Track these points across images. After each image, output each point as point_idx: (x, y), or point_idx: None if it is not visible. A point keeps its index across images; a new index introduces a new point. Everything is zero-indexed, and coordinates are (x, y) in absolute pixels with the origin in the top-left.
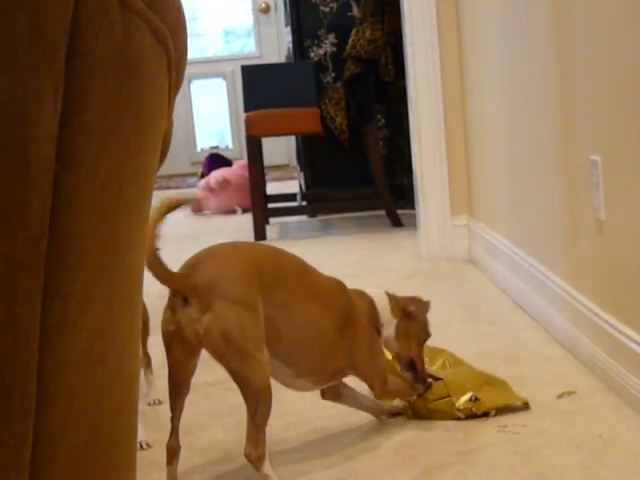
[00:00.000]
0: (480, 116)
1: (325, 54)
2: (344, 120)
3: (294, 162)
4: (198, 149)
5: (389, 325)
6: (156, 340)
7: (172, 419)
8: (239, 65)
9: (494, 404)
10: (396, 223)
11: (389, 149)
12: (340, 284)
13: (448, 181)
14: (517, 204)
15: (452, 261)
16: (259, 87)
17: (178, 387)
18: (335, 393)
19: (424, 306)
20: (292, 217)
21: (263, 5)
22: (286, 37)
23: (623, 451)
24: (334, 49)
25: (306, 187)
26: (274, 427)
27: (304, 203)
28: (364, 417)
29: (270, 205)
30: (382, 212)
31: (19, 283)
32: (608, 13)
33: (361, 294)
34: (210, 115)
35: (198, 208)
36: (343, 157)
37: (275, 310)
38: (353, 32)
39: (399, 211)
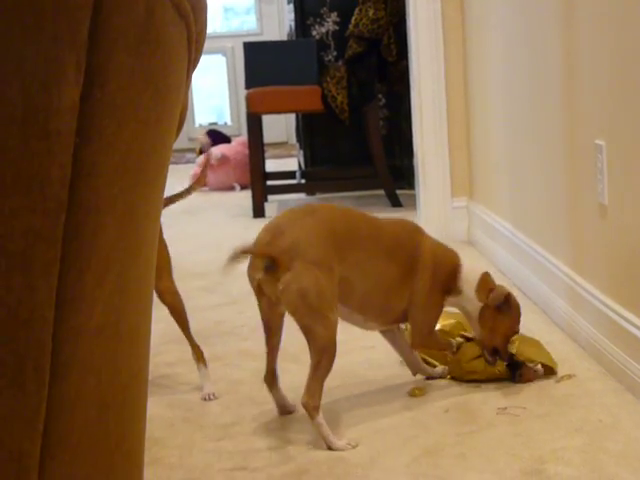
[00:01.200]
0: (482, 97)
1: (327, 32)
2: (345, 99)
3: (293, 140)
4: (197, 125)
5: (469, 301)
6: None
7: (267, 354)
8: (239, 42)
9: (530, 356)
10: (395, 203)
11: (389, 129)
12: (412, 232)
13: (449, 162)
14: (518, 187)
15: (451, 242)
16: (260, 64)
17: (269, 330)
18: (391, 337)
19: (514, 306)
20: (291, 195)
21: None
22: (288, 15)
23: (623, 436)
24: (336, 27)
25: (305, 165)
26: (270, 403)
27: (303, 181)
28: (365, 399)
29: (269, 182)
30: (381, 192)
31: (37, 255)
32: None
33: (447, 252)
34: (209, 91)
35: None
36: (343, 136)
37: (349, 270)
38: (356, 11)
39: (398, 191)
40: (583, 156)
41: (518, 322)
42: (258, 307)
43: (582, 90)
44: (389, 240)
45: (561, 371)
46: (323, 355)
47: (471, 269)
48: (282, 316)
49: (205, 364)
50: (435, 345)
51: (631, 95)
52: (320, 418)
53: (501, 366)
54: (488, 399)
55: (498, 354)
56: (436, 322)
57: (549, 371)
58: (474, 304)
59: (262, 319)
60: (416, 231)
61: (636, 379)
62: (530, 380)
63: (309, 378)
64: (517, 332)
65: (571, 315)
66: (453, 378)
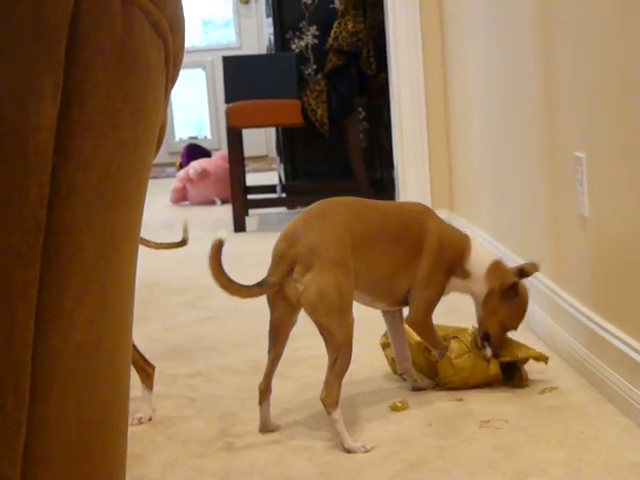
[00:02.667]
0: (462, 110)
1: (306, 46)
2: (325, 112)
3: (273, 153)
4: (176, 139)
5: (478, 284)
6: (144, 332)
7: (267, 364)
8: (219, 56)
9: (516, 356)
10: None
11: (369, 142)
12: (419, 214)
13: (429, 174)
14: (499, 199)
15: None
16: (240, 78)
17: (277, 337)
18: (391, 322)
19: (521, 299)
20: (271, 209)
21: None
22: (267, 28)
23: (605, 447)
24: (316, 41)
25: (286, 179)
26: (253, 419)
27: (284, 195)
28: (347, 413)
29: (249, 196)
30: None
31: (16, 275)
32: (594, 10)
33: (456, 232)
34: (189, 105)
35: (178, 198)
36: (323, 149)
37: (360, 261)
38: (335, 24)
39: None
40: (563, 168)
41: (520, 317)
42: (271, 315)
43: (562, 102)
44: (397, 224)
45: (543, 383)
46: (339, 353)
47: (483, 253)
48: (292, 325)
49: (150, 388)
50: (428, 331)
51: (611, 107)
52: (337, 414)
53: (493, 367)
54: (471, 412)
55: (488, 342)
56: (436, 301)
57: (542, 359)
58: (482, 287)
59: (272, 326)
60: (424, 213)
61: (617, 390)
62: (526, 384)
63: (327, 375)
64: (515, 327)
65: (552, 327)
66: (438, 386)
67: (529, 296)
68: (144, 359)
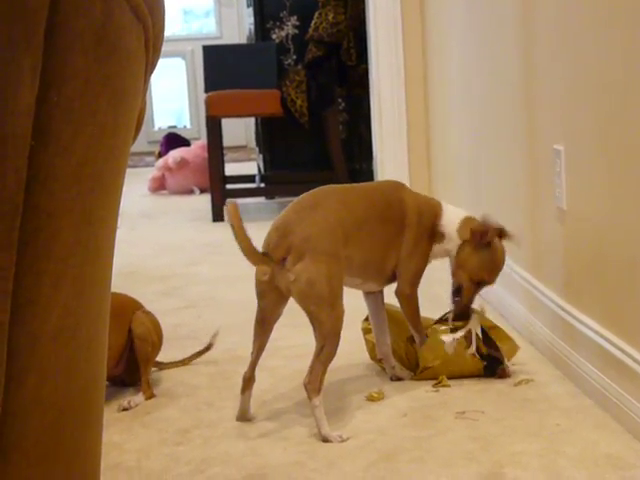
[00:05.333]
0: (442, 101)
1: (287, 36)
2: (304, 103)
3: (252, 143)
4: (156, 128)
5: (452, 241)
6: None
7: (252, 353)
8: (199, 45)
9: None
10: None
11: (348, 133)
12: (395, 190)
13: (408, 166)
14: (478, 191)
15: None
16: (220, 67)
17: (263, 327)
18: (373, 304)
19: (493, 249)
20: (250, 198)
21: None
22: (247, 18)
23: (580, 439)
24: (296, 31)
25: (265, 169)
26: (229, 408)
27: (262, 185)
28: (324, 401)
29: (228, 186)
30: None
31: None
32: (572, 5)
33: (428, 199)
34: (168, 95)
35: (156, 187)
36: (302, 140)
37: (351, 248)
38: (316, 15)
39: None
40: (542, 161)
41: (492, 270)
42: (258, 305)
43: (541, 95)
44: (381, 205)
45: (519, 375)
46: (326, 341)
47: (454, 212)
48: (279, 316)
49: (147, 397)
50: (414, 304)
51: (589, 100)
52: (317, 401)
53: (475, 364)
54: (446, 403)
55: (460, 295)
56: (422, 271)
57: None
58: (455, 243)
59: (259, 317)
60: (399, 188)
61: (593, 383)
62: (509, 376)
63: (312, 361)
64: (489, 281)
65: (529, 319)
66: (417, 377)
67: (504, 254)
68: None
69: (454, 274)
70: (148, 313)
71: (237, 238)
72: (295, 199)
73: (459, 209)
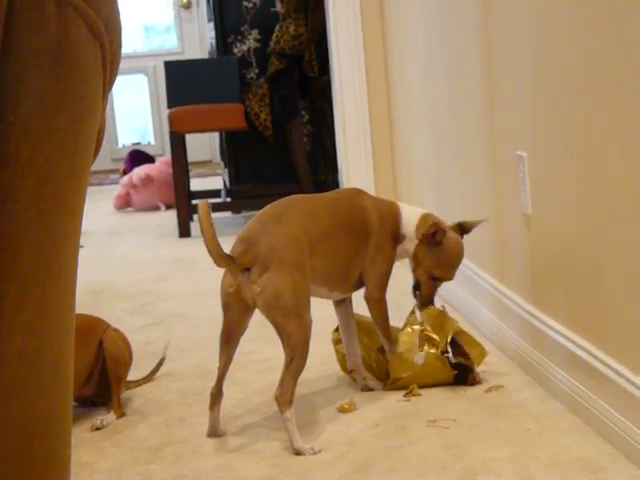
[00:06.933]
0: (405, 111)
1: (248, 50)
2: (268, 116)
3: (217, 158)
4: (120, 145)
5: (411, 241)
6: None
7: (218, 368)
8: (161, 61)
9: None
10: None
11: (313, 145)
12: (356, 198)
13: (373, 176)
14: (443, 199)
15: None
16: (182, 83)
17: (229, 341)
18: (344, 315)
19: (446, 239)
20: (216, 213)
21: (185, 0)
22: (209, 33)
23: (551, 444)
24: (257, 45)
25: (230, 183)
26: (200, 424)
27: (228, 199)
28: (295, 413)
29: (194, 201)
30: None
31: None
32: (534, 8)
33: (386, 202)
34: (131, 111)
35: (121, 204)
36: (267, 153)
37: (316, 258)
38: (277, 28)
39: None
40: (505, 167)
41: (448, 266)
42: (224, 318)
43: (503, 102)
44: (344, 214)
45: (489, 382)
46: (295, 353)
47: (411, 212)
48: (244, 329)
49: (119, 416)
50: (383, 309)
51: (551, 106)
52: (289, 413)
53: (445, 373)
54: (418, 412)
55: (419, 291)
56: (389, 274)
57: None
58: (414, 242)
59: (225, 330)
60: (359, 194)
61: (562, 387)
62: (479, 382)
63: (282, 374)
64: (446, 277)
65: (497, 326)
66: (387, 387)
67: (459, 249)
68: None
69: (414, 271)
70: (117, 330)
71: (205, 238)
72: (259, 211)
73: (415, 207)
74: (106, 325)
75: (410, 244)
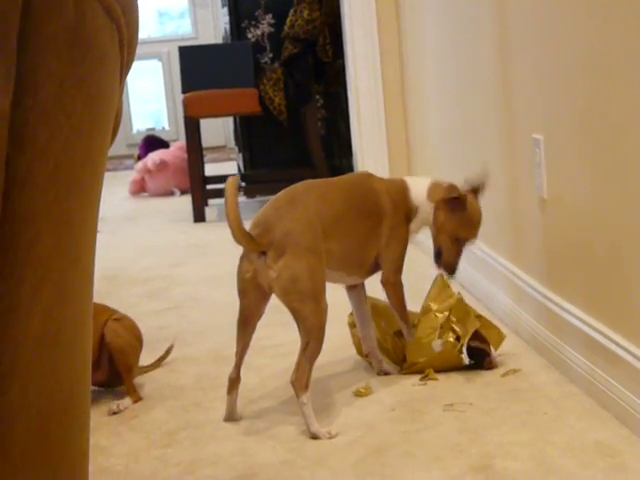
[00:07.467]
0: (420, 95)
1: (262, 35)
2: (282, 100)
3: (232, 143)
4: (134, 131)
5: (425, 210)
6: None
7: (236, 353)
8: (175, 46)
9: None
10: None
11: (327, 129)
12: (366, 180)
13: (388, 160)
14: (459, 182)
15: None
16: (197, 68)
17: (245, 327)
18: (357, 300)
19: (469, 202)
20: None
21: None
22: (223, 18)
23: (568, 428)
24: (272, 29)
25: (244, 168)
26: (216, 409)
27: (243, 184)
28: (311, 397)
29: (208, 187)
30: None
31: None
32: None
33: (394, 181)
34: (146, 97)
35: (136, 190)
36: (282, 138)
37: (332, 242)
38: (291, 12)
39: None
40: (521, 150)
41: (471, 228)
42: (241, 304)
43: (518, 85)
44: (357, 197)
45: (506, 365)
46: (311, 337)
47: (418, 183)
48: (261, 314)
49: (135, 400)
50: (400, 293)
51: (568, 89)
52: (305, 398)
53: (461, 361)
54: (434, 396)
55: (441, 258)
56: (404, 255)
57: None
58: (429, 210)
59: (242, 316)
60: (369, 178)
61: (579, 370)
62: (496, 367)
63: (298, 358)
64: (469, 239)
65: (513, 309)
66: (404, 371)
67: (480, 209)
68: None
69: (434, 239)
70: (121, 319)
71: (228, 216)
72: (273, 196)
73: (421, 178)
74: (108, 314)
75: (424, 213)
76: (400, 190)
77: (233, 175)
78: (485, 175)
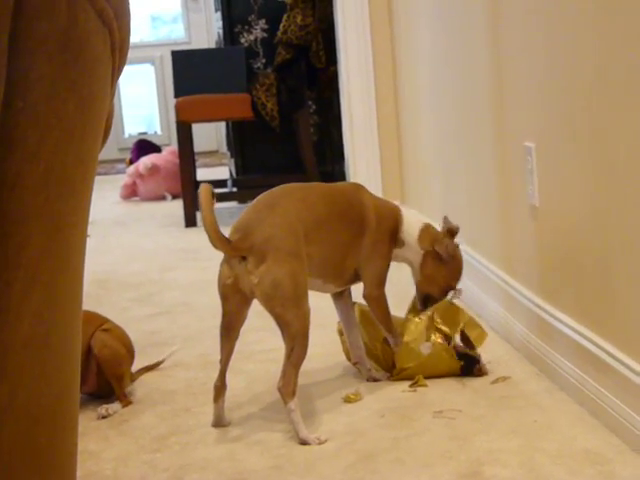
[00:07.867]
0: (413, 101)
1: (255, 40)
2: (275, 106)
3: (224, 148)
4: (126, 135)
5: (412, 250)
6: None
7: (220, 361)
8: (167, 51)
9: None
10: None
11: (319, 135)
12: (355, 190)
13: (380, 167)
14: (450, 190)
15: None
16: (189, 73)
17: (229, 333)
18: (343, 309)
19: (457, 258)
20: (222, 203)
21: None
22: (216, 23)
23: (558, 435)
24: (265, 35)
25: (237, 173)
26: (205, 414)
27: (234, 189)
28: (300, 403)
29: None
30: None
31: None
32: (541, 1)
33: (387, 203)
34: (138, 101)
35: (128, 194)
36: (274, 143)
37: (312, 246)
38: (284, 18)
39: None
40: (513, 158)
41: (458, 275)
42: (223, 310)
43: (511, 93)
44: (341, 205)
45: (496, 373)
46: (296, 342)
47: (413, 220)
48: (244, 320)
49: (124, 404)
50: (384, 306)
51: (559, 97)
52: (293, 404)
53: (452, 364)
54: (424, 403)
55: (429, 304)
56: (386, 272)
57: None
58: (417, 252)
59: (225, 322)
60: (359, 189)
61: (569, 378)
62: (486, 374)
63: (284, 364)
64: (454, 287)
65: (504, 317)
66: (393, 377)
67: (462, 255)
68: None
69: (423, 286)
70: (110, 329)
71: (204, 221)
72: (254, 200)
73: (417, 215)
74: (96, 324)
75: (411, 253)
76: (392, 215)
77: (206, 183)
78: (456, 225)
